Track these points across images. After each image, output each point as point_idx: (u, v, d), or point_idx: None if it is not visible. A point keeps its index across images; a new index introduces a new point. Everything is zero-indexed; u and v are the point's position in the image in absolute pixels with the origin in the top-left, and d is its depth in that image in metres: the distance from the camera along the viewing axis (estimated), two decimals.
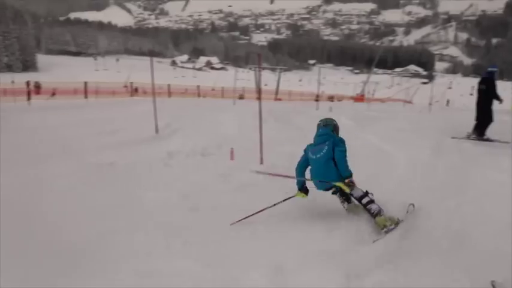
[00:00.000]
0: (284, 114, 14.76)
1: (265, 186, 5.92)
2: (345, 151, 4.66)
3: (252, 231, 4.39)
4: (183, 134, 9.11)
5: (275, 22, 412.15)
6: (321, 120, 5.22)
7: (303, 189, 4.92)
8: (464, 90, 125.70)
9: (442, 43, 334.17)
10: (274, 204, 4.79)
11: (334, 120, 5.21)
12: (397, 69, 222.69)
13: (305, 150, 5.12)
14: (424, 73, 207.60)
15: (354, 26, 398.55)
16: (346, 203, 4.91)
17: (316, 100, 23.21)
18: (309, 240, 4.13)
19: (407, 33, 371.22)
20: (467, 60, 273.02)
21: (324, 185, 4.71)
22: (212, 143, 8.30)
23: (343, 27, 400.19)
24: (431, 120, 16.47)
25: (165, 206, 5.16)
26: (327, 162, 4.65)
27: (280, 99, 43.48)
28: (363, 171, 5.53)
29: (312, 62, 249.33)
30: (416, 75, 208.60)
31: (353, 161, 4.83)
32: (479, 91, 10.18)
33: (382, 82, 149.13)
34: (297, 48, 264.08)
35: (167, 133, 9.12)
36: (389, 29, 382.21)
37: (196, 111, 12.81)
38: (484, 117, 10.11)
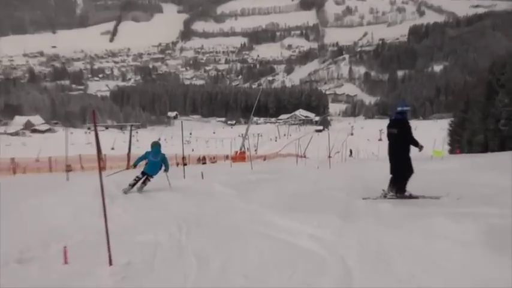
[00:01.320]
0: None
1: None
2: (167, 159, 14.74)
3: None
4: None
5: (118, 65, 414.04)
6: (153, 142, 14.91)
7: (135, 166, 15.50)
8: (370, 135, 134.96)
9: (334, 80, 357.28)
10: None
11: (159, 142, 14.79)
12: (283, 116, 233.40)
13: (146, 154, 14.58)
14: (316, 118, 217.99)
15: (222, 66, 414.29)
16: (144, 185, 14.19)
17: (184, 164, 22.98)
18: None
19: (289, 71, 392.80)
20: (369, 99, 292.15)
21: (154, 172, 14.44)
22: (35, 242, 7.53)
23: (208, 67, 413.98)
24: (333, 177, 17.02)
25: None
26: (159, 163, 14.37)
27: (135, 167, 42.60)
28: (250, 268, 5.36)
29: (172, 114, 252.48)
30: (307, 121, 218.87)
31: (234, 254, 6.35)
32: (390, 136, 10.46)
33: (265, 134, 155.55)
34: (152, 98, 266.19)
35: None
36: (267, 67, 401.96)
37: (12, 195, 11.79)
38: (401, 169, 10.39)
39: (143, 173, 14.33)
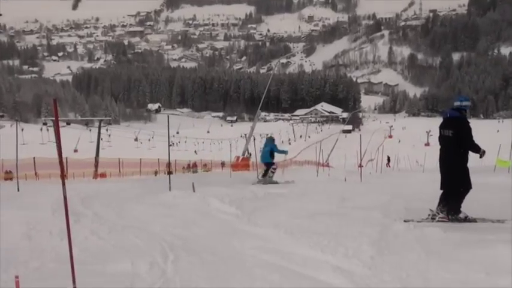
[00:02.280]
0: (113, 202, 14.36)
1: None
2: (276, 147, 25.70)
3: None
4: None
5: (84, 41, 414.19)
6: (268, 136, 30.90)
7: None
8: (414, 139, 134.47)
9: (369, 65, 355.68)
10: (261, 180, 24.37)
11: (272, 137, 29.37)
12: (300, 112, 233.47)
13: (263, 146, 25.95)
14: (344, 115, 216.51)
15: (221, 44, 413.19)
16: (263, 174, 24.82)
17: (169, 173, 23.04)
18: None
19: (309, 51, 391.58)
20: (414, 90, 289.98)
21: (264, 160, 24.78)
22: None
23: (202, 45, 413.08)
24: (366, 192, 17.18)
25: None
26: (267, 153, 24.58)
27: (104, 176, 42.74)
28: None
29: (154, 106, 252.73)
30: (331, 119, 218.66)
31: None
32: (443, 140, 10.46)
33: (276, 134, 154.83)
34: (127, 85, 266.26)
35: None
36: (280, 46, 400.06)
37: None
38: (455, 183, 10.35)
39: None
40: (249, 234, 9.82)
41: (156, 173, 48.86)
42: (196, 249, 8.77)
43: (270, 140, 25.75)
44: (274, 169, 24.70)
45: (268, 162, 24.62)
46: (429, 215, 10.69)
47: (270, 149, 24.61)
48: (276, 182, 24.03)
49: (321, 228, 9.88)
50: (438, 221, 10.37)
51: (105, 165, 47.89)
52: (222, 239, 9.40)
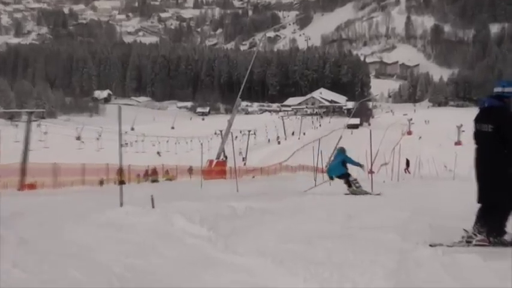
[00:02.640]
0: (45, 222, 14.24)
1: None
2: (350, 158, 29.78)
3: None
4: None
5: (10, 9, 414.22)
6: (339, 146, 34.99)
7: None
8: (441, 136, 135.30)
9: (381, 40, 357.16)
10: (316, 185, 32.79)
11: (343, 147, 31.92)
12: (292, 101, 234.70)
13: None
14: (350, 105, 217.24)
15: (189, 12, 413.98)
16: (348, 186, 28.42)
17: (121, 182, 22.83)
18: None
19: (304, 22, 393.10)
20: (440, 72, 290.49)
21: (334, 173, 29.36)
22: None
23: (165, 14, 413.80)
24: (379, 207, 17.16)
25: None
26: (339, 164, 29.06)
27: (33, 187, 42.69)
28: None
29: (102, 94, 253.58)
30: (332, 110, 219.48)
31: None
32: (481, 136, 10.31)
33: (261, 131, 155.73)
34: (67, 66, 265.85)
35: None
36: (266, 16, 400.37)
37: None
38: (498, 195, 10.15)
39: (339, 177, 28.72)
40: (226, 265, 9.70)
41: (101, 182, 48.74)
42: (155, 285, 8.63)
43: (341, 151, 30.01)
44: (355, 178, 28.39)
45: (343, 174, 28.35)
46: (463, 237, 10.59)
47: (342, 159, 28.59)
48: (367, 193, 27.04)
49: (321, 256, 9.80)
50: (475, 245, 10.28)
51: (36, 173, 47.70)
52: (190, 271, 9.25)
